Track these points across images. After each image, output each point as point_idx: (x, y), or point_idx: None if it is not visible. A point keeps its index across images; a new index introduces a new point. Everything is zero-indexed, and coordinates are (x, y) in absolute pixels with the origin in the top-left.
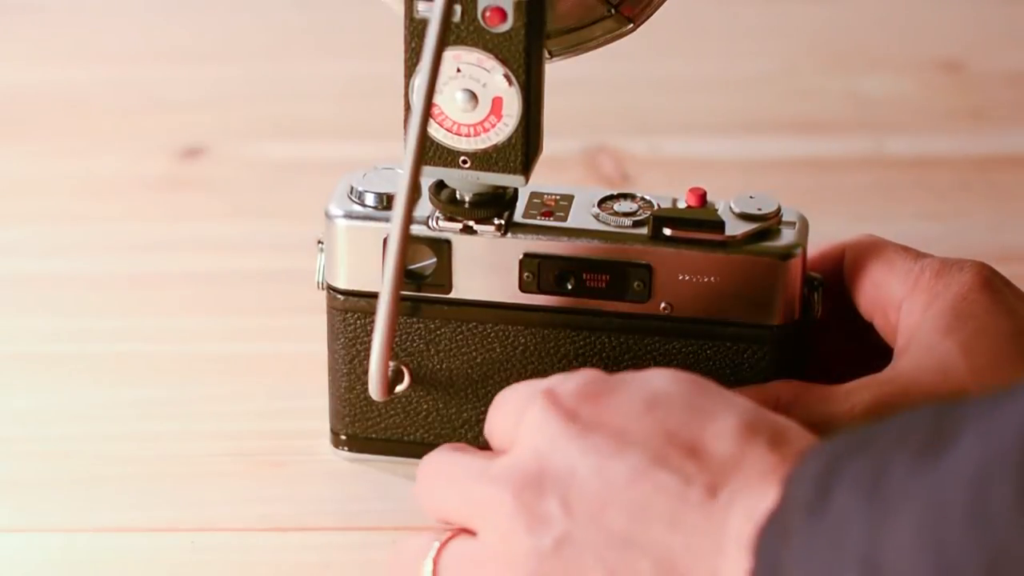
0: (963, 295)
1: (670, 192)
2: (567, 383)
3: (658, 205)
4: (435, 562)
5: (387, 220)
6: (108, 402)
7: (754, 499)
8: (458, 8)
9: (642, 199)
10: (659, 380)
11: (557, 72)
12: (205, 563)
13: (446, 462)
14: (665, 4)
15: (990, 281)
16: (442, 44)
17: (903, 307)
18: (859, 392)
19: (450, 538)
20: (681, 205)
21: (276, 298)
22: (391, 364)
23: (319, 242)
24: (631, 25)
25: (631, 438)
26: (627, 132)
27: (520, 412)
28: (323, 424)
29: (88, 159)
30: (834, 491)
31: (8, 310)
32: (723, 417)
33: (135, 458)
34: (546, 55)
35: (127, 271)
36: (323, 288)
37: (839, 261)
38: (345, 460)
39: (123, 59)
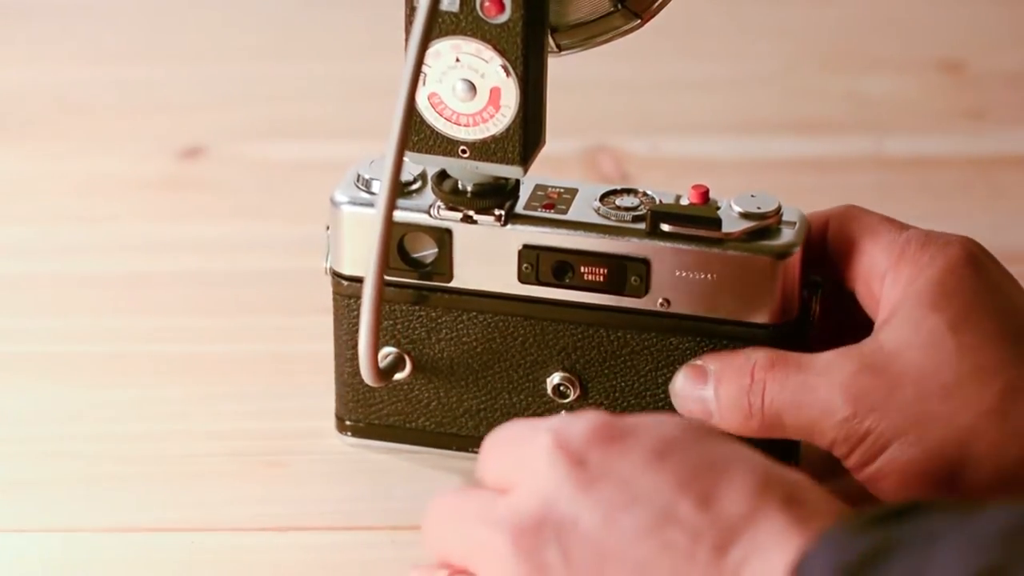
0: (949, 270)
1: (672, 190)
2: (574, 425)
3: (660, 201)
4: None
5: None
6: (108, 402)
7: (766, 562)
8: None
9: (644, 195)
10: (669, 428)
11: (557, 71)
12: (205, 563)
13: (452, 502)
14: (669, 4)
15: (976, 256)
16: (430, 27)
17: (887, 278)
18: (840, 362)
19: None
20: (684, 202)
21: (276, 298)
22: (393, 351)
23: (327, 228)
24: (639, 21)
25: (639, 490)
26: (627, 132)
27: (520, 451)
28: (323, 424)
29: (88, 159)
30: None
31: (8, 310)
32: (736, 472)
33: (135, 458)
34: (555, 48)
35: (127, 271)
36: (329, 274)
37: (822, 230)
38: (349, 449)
39: (123, 59)
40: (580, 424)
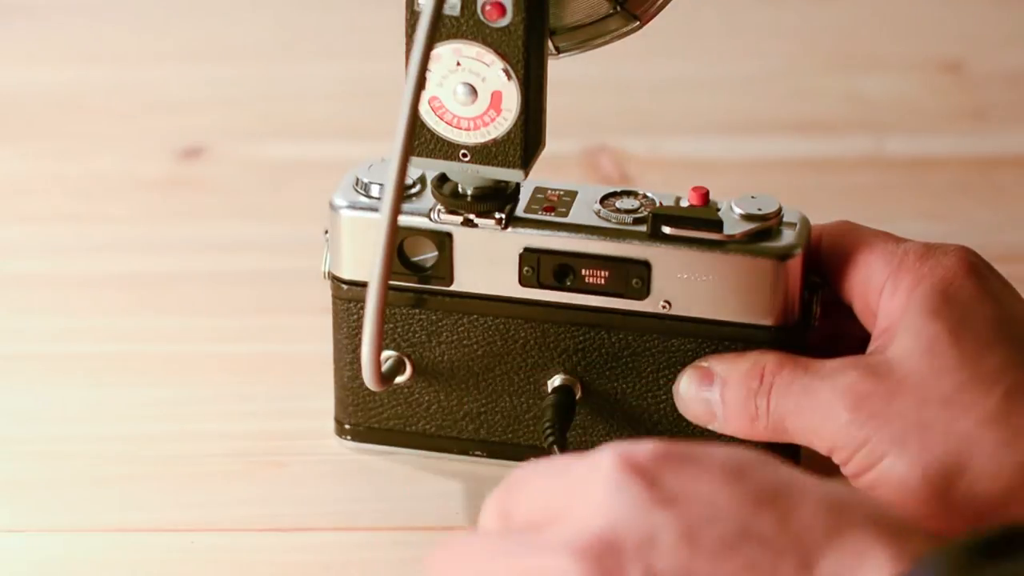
0: (949, 279)
1: (672, 191)
2: (639, 448)
3: (660, 203)
4: None
5: None
6: (108, 402)
7: None
8: (457, 1)
9: (644, 197)
10: (737, 452)
11: (558, 71)
12: (205, 563)
13: (464, 546)
14: (668, 5)
15: (975, 266)
16: (434, 32)
17: (885, 288)
18: (845, 370)
19: None
20: (684, 204)
21: (276, 298)
22: (393, 355)
23: (325, 232)
24: (638, 23)
25: (718, 507)
26: (627, 132)
27: (566, 480)
28: (323, 424)
29: (88, 159)
30: None
31: (8, 310)
32: (812, 491)
33: (135, 458)
34: (553, 51)
35: (127, 271)
36: (328, 278)
37: (815, 245)
38: (349, 450)
39: (123, 59)
40: (645, 446)
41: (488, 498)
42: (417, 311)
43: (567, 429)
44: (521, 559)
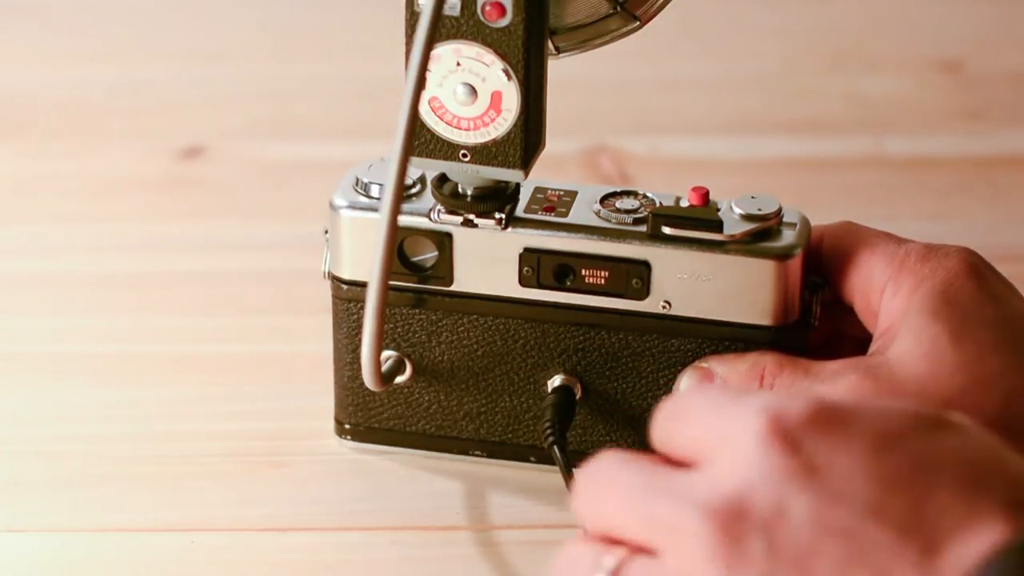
0: (950, 281)
1: (672, 191)
2: (791, 407)
3: (660, 203)
4: None
5: None
6: (107, 402)
7: (984, 567)
8: (457, 1)
9: (644, 197)
10: (895, 418)
11: (558, 72)
12: (205, 563)
13: (618, 471)
14: (668, 5)
15: (976, 267)
16: (434, 32)
17: (886, 289)
18: (845, 372)
19: (627, 557)
20: (684, 204)
21: (276, 298)
22: (393, 355)
23: (325, 232)
24: (637, 23)
25: (852, 483)
26: (627, 132)
27: (721, 424)
28: (323, 424)
29: (88, 159)
30: None
31: (8, 310)
32: (957, 470)
33: (135, 458)
34: (553, 51)
35: (127, 271)
36: (328, 278)
37: (817, 245)
38: (349, 450)
39: (123, 59)
40: (798, 406)
41: (658, 412)
42: (417, 311)
43: (567, 429)
44: (656, 504)
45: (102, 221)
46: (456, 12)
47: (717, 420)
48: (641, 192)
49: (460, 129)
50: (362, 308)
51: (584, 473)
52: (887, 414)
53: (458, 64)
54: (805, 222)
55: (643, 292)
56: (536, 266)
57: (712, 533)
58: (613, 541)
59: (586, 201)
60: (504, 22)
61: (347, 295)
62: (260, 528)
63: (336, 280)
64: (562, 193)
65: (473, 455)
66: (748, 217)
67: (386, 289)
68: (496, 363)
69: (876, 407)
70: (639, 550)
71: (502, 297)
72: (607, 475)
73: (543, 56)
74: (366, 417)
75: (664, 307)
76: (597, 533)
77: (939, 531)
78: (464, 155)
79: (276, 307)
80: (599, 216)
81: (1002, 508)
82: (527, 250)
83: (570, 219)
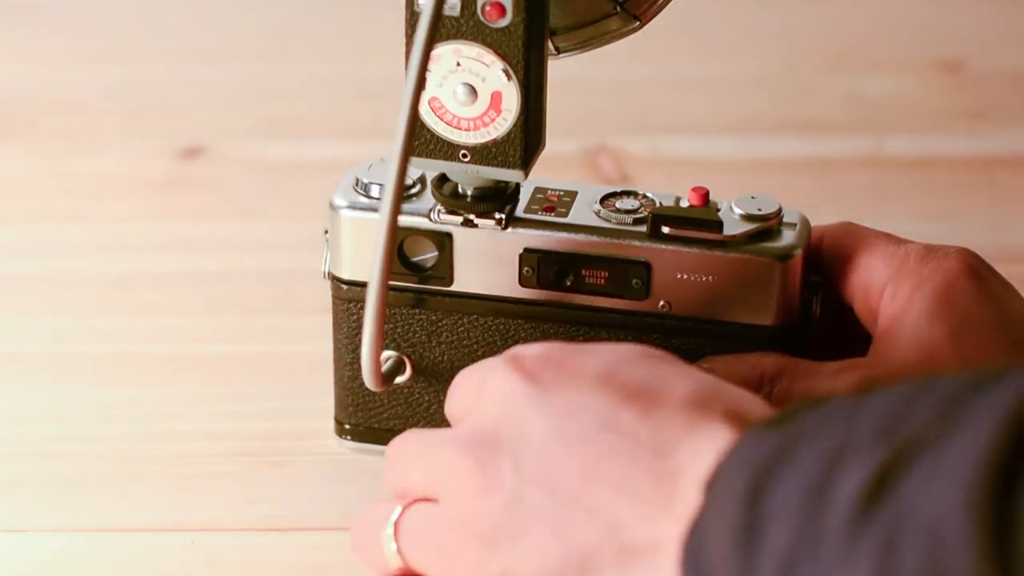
0: (950, 282)
1: (672, 192)
2: (531, 348)
3: (660, 203)
4: (396, 526)
5: None
6: (107, 402)
7: (703, 467)
8: (457, 1)
9: (644, 197)
10: (624, 349)
11: (557, 72)
12: (205, 563)
13: (410, 438)
14: (668, 5)
15: (975, 268)
16: (434, 32)
17: (886, 290)
18: (846, 373)
19: (410, 504)
20: (684, 204)
21: (276, 298)
22: (393, 355)
23: (325, 232)
24: (637, 23)
25: (586, 401)
26: (627, 132)
27: (481, 383)
28: (323, 423)
29: (88, 159)
30: (765, 526)
31: (8, 310)
32: (681, 385)
33: (135, 458)
34: (553, 51)
35: (127, 271)
36: (328, 278)
37: (817, 245)
38: (349, 450)
39: (123, 59)
40: (537, 347)
41: (448, 393)
42: (417, 311)
43: None
44: (433, 454)
45: (102, 221)
46: (456, 12)
47: (476, 381)
48: (641, 192)
49: (460, 129)
50: (362, 308)
51: (388, 446)
52: (615, 346)
53: (458, 64)
54: (805, 222)
55: (643, 292)
56: (536, 266)
57: (469, 464)
58: (405, 498)
59: (586, 201)
60: (504, 22)
61: (347, 295)
62: (260, 528)
63: (336, 280)
64: (562, 193)
65: None
66: (748, 217)
67: (386, 289)
68: None
69: (606, 344)
70: (424, 500)
71: (502, 297)
72: (404, 443)
73: (543, 56)
74: (366, 417)
75: (664, 307)
76: (392, 493)
77: (668, 437)
78: (464, 155)
79: (276, 307)
80: (599, 216)
81: (723, 418)
82: (527, 250)
83: (570, 219)
